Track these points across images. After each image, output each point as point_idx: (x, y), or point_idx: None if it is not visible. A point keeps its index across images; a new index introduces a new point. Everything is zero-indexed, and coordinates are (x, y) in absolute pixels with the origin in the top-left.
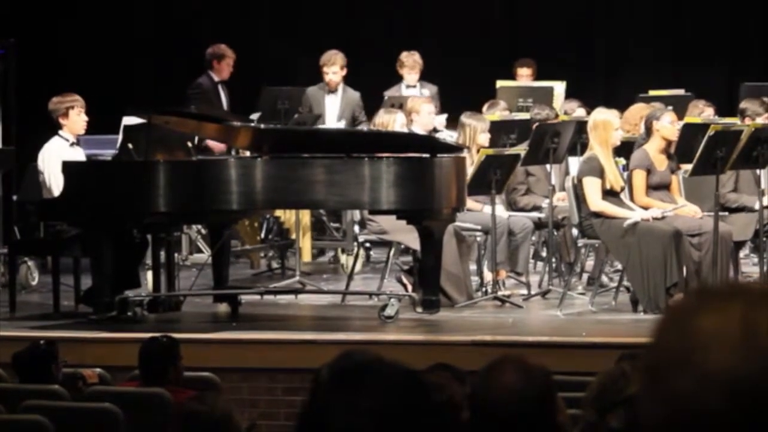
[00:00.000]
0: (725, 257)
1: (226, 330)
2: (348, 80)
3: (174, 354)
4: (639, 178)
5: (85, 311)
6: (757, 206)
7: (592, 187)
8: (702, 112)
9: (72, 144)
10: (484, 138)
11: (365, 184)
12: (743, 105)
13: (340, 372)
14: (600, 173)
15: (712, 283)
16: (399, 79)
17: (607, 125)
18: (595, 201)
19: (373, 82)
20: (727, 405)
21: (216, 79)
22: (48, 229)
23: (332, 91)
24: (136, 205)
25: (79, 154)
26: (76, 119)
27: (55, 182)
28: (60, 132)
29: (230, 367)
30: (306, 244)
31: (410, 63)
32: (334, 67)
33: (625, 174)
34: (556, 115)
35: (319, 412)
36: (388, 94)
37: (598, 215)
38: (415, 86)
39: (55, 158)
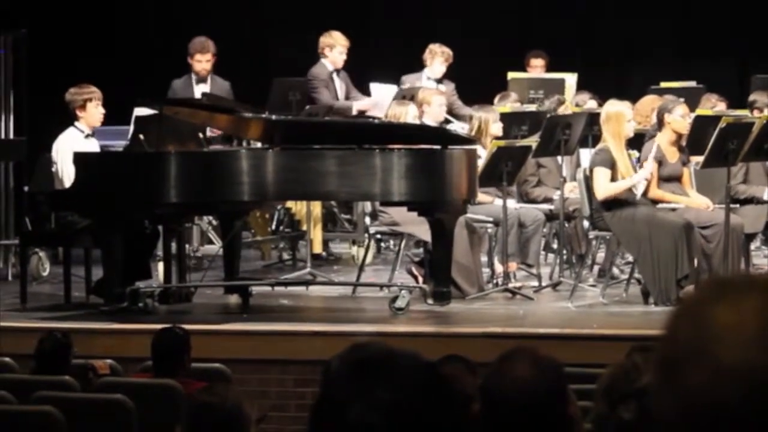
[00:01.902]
0: (736, 249)
1: (237, 321)
2: (359, 73)
3: (187, 345)
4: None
5: (96, 302)
6: (766, 197)
7: (601, 178)
8: (714, 106)
9: (87, 136)
10: (497, 128)
11: (376, 176)
12: (753, 97)
13: (353, 364)
14: (611, 165)
15: (725, 275)
16: (412, 69)
17: (620, 117)
18: (602, 190)
19: (384, 75)
20: (743, 398)
21: (330, 68)
22: (59, 220)
23: (202, 80)
24: (147, 196)
25: (93, 146)
26: (94, 112)
27: (66, 173)
28: (76, 123)
29: (241, 359)
30: (317, 235)
31: (447, 54)
32: (207, 54)
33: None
34: (563, 102)
35: (334, 405)
36: (407, 79)
37: (608, 207)
38: (440, 80)
39: (68, 149)
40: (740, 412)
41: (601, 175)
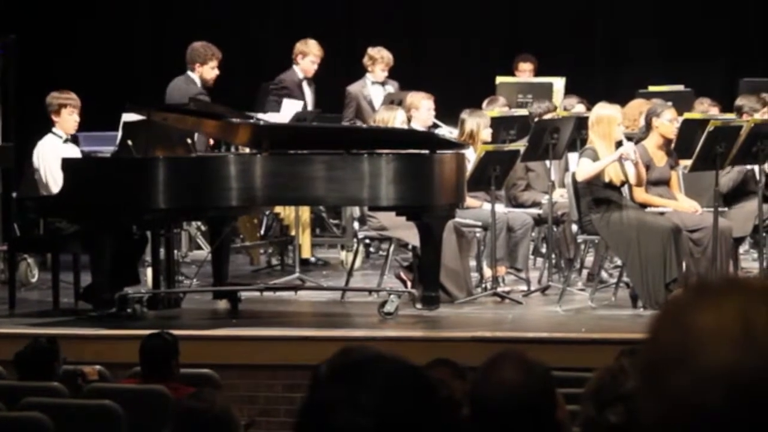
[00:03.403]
0: (725, 253)
1: (226, 327)
2: (346, 77)
3: (176, 349)
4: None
5: (85, 308)
6: (749, 165)
7: (585, 164)
8: (707, 111)
9: (65, 140)
10: (487, 133)
11: (365, 181)
12: (739, 102)
13: (339, 368)
14: (595, 161)
15: (710, 279)
16: (403, 72)
17: (611, 120)
18: (584, 171)
19: None
20: (724, 402)
21: (300, 75)
22: (47, 226)
23: (208, 89)
24: (135, 202)
25: (73, 151)
26: (68, 118)
27: (52, 179)
28: (53, 129)
29: (230, 364)
30: (306, 240)
31: (387, 59)
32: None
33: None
34: (555, 108)
35: (319, 409)
36: (352, 89)
37: (596, 210)
38: (383, 83)
39: (50, 155)
40: (721, 415)
41: (586, 163)
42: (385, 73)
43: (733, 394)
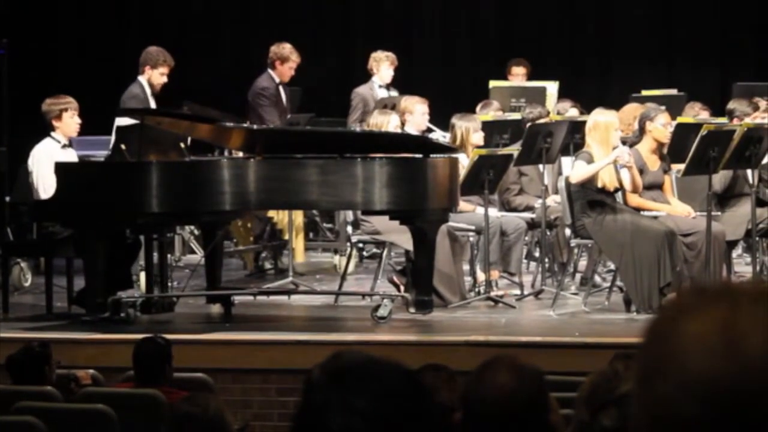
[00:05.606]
0: (718, 257)
1: (219, 331)
2: (341, 83)
3: (169, 354)
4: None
5: (78, 312)
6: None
7: (579, 166)
8: (697, 114)
9: (64, 146)
10: (478, 137)
11: (358, 185)
12: (731, 105)
13: (332, 372)
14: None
15: (702, 284)
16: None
17: (608, 126)
18: (577, 174)
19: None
20: (702, 411)
21: (276, 80)
22: (41, 230)
23: (155, 94)
24: (128, 206)
25: (71, 156)
26: (70, 122)
27: (41, 184)
28: (52, 134)
29: (223, 368)
30: (299, 244)
31: (392, 58)
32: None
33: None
34: (548, 113)
35: (313, 413)
36: (359, 91)
37: (589, 213)
38: (388, 86)
39: (44, 159)
40: (700, 424)
41: (581, 166)
42: (392, 72)
43: (710, 403)
